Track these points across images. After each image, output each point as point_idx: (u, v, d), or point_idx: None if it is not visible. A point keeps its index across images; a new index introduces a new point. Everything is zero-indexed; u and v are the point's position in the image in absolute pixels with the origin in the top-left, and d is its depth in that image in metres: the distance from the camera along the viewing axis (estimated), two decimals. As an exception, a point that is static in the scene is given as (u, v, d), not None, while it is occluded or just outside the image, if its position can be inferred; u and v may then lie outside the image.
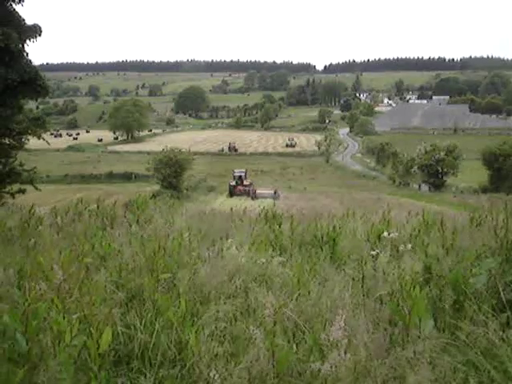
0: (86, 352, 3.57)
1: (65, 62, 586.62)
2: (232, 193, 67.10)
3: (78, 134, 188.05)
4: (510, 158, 66.26)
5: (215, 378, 3.32)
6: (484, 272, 4.72)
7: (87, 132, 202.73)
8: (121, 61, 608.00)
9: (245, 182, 70.63)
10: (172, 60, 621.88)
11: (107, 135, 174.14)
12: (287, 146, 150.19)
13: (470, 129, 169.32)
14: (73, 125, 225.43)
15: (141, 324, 4.08)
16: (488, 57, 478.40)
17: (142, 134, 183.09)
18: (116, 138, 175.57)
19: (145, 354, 3.88)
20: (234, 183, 70.21)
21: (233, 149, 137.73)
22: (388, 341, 3.85)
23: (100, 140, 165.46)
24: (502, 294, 4.53)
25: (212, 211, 16.66)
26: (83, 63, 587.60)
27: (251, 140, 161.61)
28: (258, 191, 65.75)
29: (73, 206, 11.65)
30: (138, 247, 6.19)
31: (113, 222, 9.78)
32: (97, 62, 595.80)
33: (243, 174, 72.54)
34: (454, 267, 5.04)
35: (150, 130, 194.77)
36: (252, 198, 60.79)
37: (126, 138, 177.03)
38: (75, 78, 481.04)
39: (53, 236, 8.13)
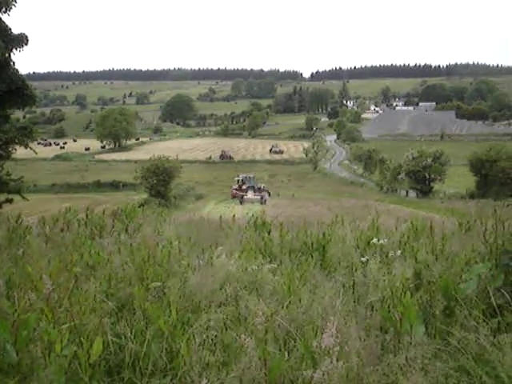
0: (77, 362, 3.55)
1: (51, 70, 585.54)
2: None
3: (65, 142, 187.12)
4: (496, 164, 66.60)
5: (207, 387, 3.31)
6: (474, 277, 4.73)
7: (74, 141, 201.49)
8: (108, 69, 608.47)
9: (243, 187, 73.29)
10: (159, 68, 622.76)
11: (94, 144, 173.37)
12: (271, 151, 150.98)
13: (457, 135, 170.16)
14: (60, 134, 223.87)
15: (131, 333, 4.06)
16: (474, 63, 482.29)
17: (129, 142, 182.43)
18: (103, 147, 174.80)
19: (136, 364, 3.85)
20: (236, 187, 73.37)
21: (227, 157, 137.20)
22: (380, 347, 3.85)
23: (87, 149, 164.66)
24: (492, 299, 4.54)
25: (201, 219, 16.65)
26: (70, 72, 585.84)
27: (239, 148, 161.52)
28: (245, 196, 66.87)
29: (61, 216, 11.58)
30: (127, 256, 6.17)
31: (101, 231, 9.75)
32: (83, 71, 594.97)
33: (241, 179, 76.01)
34: (443, 273, 5.05)
35: (138, 139, 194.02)
36: (240, 203, 62.12)
37: (113, 146, 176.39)
38: (62, 86, 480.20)
39: (41, 246, 8.08)
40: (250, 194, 70.05)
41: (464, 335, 3.98)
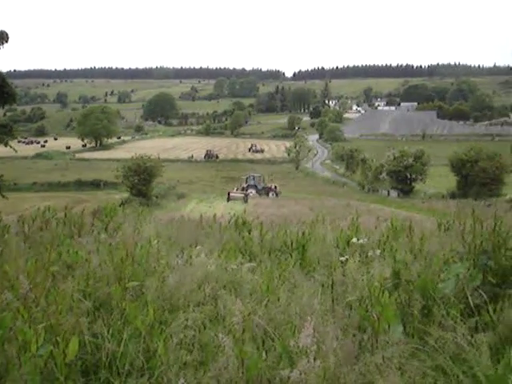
0: (53, 362, 3.53)
1: (32, 68, 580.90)
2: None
3: (46, 141, 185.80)
4: (477, 164, 67.15)
5: (184, 386, 3.29)
6: (452, 277, 4.75)
7: (55, 139, 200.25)
8: (89, 67, 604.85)
9: (244, 186, 76.61)
10: (141, 67, 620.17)
11: (75, 142, 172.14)
12: (250, 150, 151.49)
13: (438, 135, 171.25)
14: (41, 132, 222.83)
15: (108, 333, 4.03)
16: (455, 64, 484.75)
17: (110, 141, 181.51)
18: (84, 146, 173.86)
19: (112, 364, 3.83)
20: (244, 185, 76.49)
21: (212, 156, 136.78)
22: (357, 347, 3.86)
23: (68, 147, 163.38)
24: (469, 298, 4.57)
25: (181, 218, 16.62)
26: (51, 70, 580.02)
27: (221, 147, 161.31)
28: (231, 194, 67.71)
29: (40, 214, 11.51)
30: (105, 255, 6.13)
31: (81, 230, 9.70)
32: (65, 69, 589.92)
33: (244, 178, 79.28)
34: (422, 272, 5.07)
35: (119, 137, 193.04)
36: (227, 200, 64.44)
37: (94, 145, 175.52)
38: (43, 85, 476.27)
39: (19, 245, 8.02)
40: (234, 192, 71.04)
41: (442, 335, 4.00)
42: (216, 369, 3.54)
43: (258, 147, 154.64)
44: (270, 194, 73.65)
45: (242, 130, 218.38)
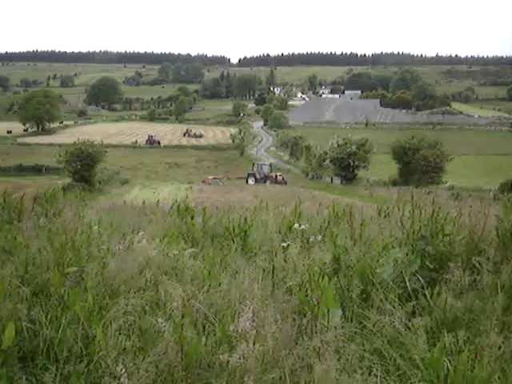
0: (-12, 349, 3.47)
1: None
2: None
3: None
4: (418, 152, 68.41)
5: (122, 372, 3.27)
6: (390, 262, 4.83)
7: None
8: (31, 51, 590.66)
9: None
10: (84, 50, 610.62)
11: (17, 127, 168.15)
12: (185, 135, 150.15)
13: (381, 123, 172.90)
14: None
15: (46, 319, 3.99)
16: (398, 53, 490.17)
17: (53, 125, 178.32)
18: (26, 130, 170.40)
19: (50, 350, 3.80)
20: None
21: (154, 142, 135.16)
22: (296, 331, 3.89)
23: (9, 132, 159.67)
24: (407, 283, 4.65)
25: (124, 204, 16.48)
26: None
27: (165, 133, 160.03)
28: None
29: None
30: (45, 241, 6.04)
31: (20, 215, 9.52)
32: (6, 52, 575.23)
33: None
34: (361, 258, 5.14)
35: (62, 122, 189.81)
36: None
37: (36, 129, 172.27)
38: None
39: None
40: (250, 181, 74.45)
41: (380, 319, 4.08)
42: (155, 354, 3.53)
43: (196, 132, 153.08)
44: (267, 182, 73.03)
45: (186, 116, 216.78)
